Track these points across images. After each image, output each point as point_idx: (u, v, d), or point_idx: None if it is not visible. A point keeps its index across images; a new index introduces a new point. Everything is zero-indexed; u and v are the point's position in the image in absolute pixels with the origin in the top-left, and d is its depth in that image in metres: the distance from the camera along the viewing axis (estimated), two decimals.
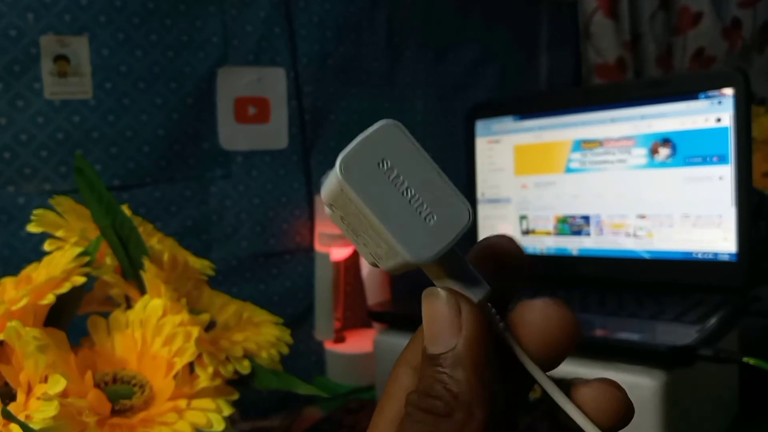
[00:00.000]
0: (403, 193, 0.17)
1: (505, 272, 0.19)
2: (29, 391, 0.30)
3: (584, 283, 0.67)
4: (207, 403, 0.33)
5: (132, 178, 0.67)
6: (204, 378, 0.33)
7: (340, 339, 0.76)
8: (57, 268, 0.34)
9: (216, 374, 0.33)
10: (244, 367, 0.35)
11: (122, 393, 0.32)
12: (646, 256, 0.65)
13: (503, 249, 0.20)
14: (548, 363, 0.19)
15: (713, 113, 0.60)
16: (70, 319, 0.36)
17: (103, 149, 0.66)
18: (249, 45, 0.73)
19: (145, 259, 0.37)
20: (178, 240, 0.45)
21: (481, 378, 0.17)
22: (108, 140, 0.66)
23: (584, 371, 0.45)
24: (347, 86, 0.80)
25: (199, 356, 0.33)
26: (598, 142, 0.68)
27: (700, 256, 0.61)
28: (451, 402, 0.17)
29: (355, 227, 0.18)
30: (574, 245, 0.70)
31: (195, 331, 0.34)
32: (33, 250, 0.41)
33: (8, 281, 0.36)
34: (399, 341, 0.58)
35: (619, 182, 0.66)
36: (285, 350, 0.39)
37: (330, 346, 0.75)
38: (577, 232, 0.69)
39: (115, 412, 0.31)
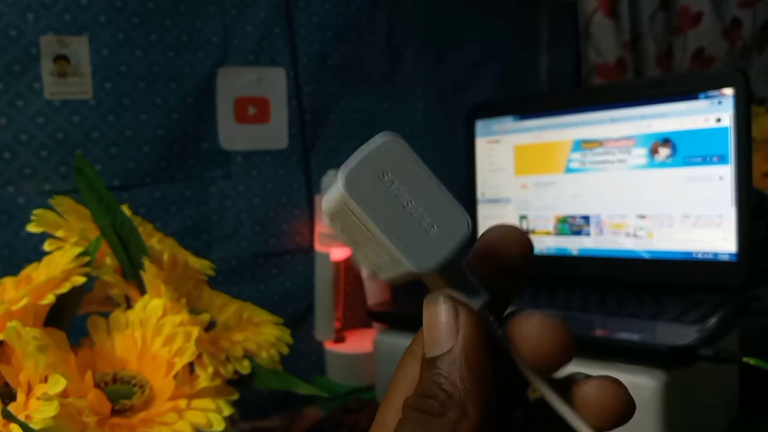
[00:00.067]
0: (404, 205, 0.17)
1: (506, 273, 0.20)
2: (29, 391, 0.30)
3: (584, 283, 0.67)
4: (207, 403, 0.33)
5: (132, 178, 0.67)
6: (204, 378, 0.33)
7: (340, 339, 0.76)
8: (57, 268, 0.34)
9: (216, 374, 0.33)
10: (244, 367, 0.35)
11: (122, 393, 0.32)
12: (646, 256, 0.65)
13: (505, 247, 0.19)
14: (543, 373, 0.19)
15: (713, 113, 0.60)
16: (70, 319, 0.36)
17: (103, 149, 0.66)
18: (249, 45, 0.73)
19: (145, 259, 0.37)
20: (178, 240, 0.45)
21: (476, 379, 0.17)
22: (108, 140, 0.66)
23: (584, 371, 0.45)
24: (347, 86, 0.80)
25: (199, 356, 0.33)
26: (598, 142, 0.68)
27: (700, 256, 0.61)
28: (446, 401, 0.17)
29: (356, 238, 0.19)
30: (574, 245, 0.70)
31: (195, 331, 0.33)
32: (33, 250, 0.41)
33: (8, 281, 0.36)
34: (399, 341, 0.58)
35: (619, 182, 0.66)
36: (285, 350, 0.39)
37: (330, 346, 0.75)
38: (577, 232, 0.69)
39: (115, 412, 0.31)
